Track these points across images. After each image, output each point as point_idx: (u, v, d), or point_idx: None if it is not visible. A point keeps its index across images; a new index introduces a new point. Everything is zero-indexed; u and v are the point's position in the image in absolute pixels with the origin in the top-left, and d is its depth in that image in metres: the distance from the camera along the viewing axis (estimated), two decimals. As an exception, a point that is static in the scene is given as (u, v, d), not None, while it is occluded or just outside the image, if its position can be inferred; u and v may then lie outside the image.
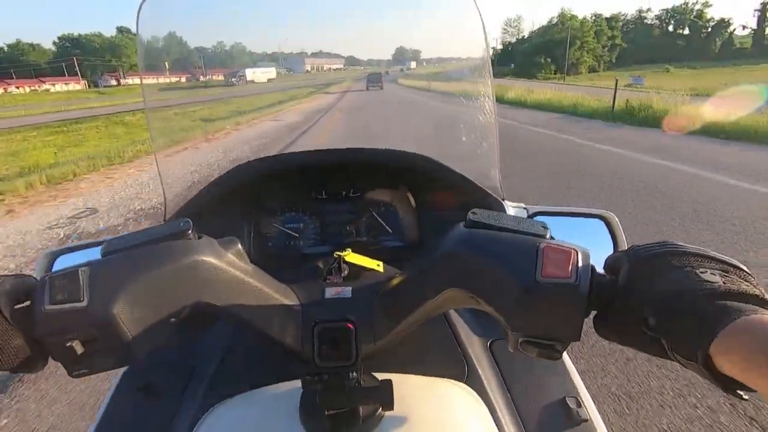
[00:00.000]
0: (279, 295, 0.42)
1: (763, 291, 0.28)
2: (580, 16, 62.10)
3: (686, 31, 67.32)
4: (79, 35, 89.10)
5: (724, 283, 0.28)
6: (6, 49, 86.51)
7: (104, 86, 73.73)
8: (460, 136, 0.77)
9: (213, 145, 6.89)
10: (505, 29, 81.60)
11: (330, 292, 0.47)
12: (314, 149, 0.71)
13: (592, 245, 0.65)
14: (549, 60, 56.90)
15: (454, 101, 0.85)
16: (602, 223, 0.65)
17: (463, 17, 0.66)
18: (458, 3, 0.63)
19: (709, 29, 64.61)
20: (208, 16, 0.84)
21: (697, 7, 65.81)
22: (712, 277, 0.28)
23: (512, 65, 60.19)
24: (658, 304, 0.29)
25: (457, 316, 0.61)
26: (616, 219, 0.64)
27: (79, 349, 0.32)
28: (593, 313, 0.34)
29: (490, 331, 0.60)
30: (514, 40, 78.25)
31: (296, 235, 0.75)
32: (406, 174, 0.73)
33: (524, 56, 59.96)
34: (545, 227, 0.36)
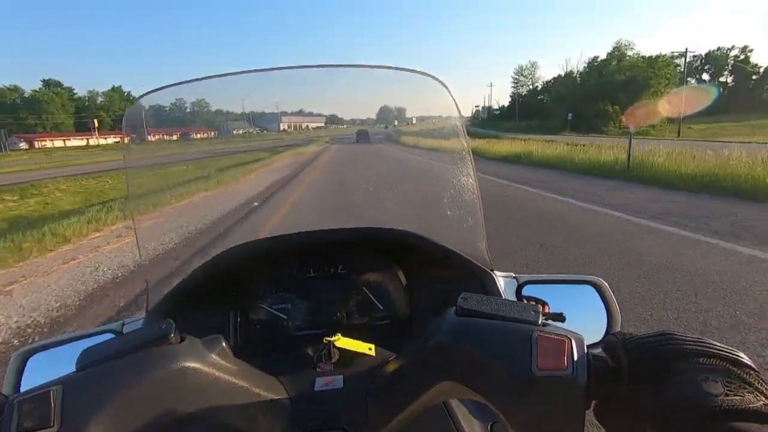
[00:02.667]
0: (266, 391, 0.49)
1: (766, 396, 0.34)
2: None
3: (727, 79, 73.19)
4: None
5: (726, 395, 0.33)
6: None
7: (11, 150, 70.53)
8: (446, 209, 0.96)
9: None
10: (515, 78, 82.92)
11: (320, 383, 0.56)
12: (299, 231, 0.87)
13: (584, 313, 0.83)
14: (617, 108, 49.89)
15: (437, 177, 1.04)
16: (593, 289, 0.80)
17: (439, 98, 0.86)
18: (433, 87, 0.84)
19: (756, 78, 70.10)
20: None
21: (734, 52, 71.29)
22: (714, 386, 0.34)
23: (570, 115, 52.70)
24: (658, 420, 0.35)
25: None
26: (606, 285, 0.79)
27: None
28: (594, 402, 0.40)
29: (490, 413, 0.67)
30: (525, 91, 79.57)
31: (284, 316, 0.87)
32: (395, 249, 0.89)
33: (582, 103, 52.79)
34: (536, 311, 0.44)
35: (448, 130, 0.94)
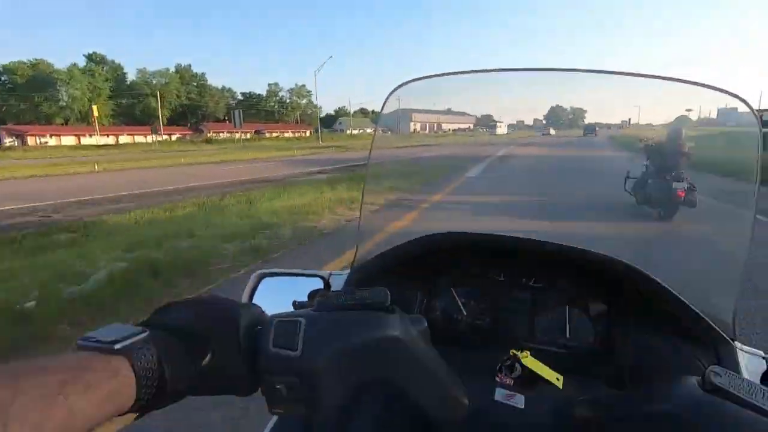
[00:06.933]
0: (449, 389, 0.49)
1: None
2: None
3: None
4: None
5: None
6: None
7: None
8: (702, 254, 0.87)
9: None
10: None
11: (500, 394, 0.58)
12: (515, 236, 0.81)
13: None
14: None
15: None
16: None
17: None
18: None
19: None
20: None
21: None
22: None
23: None
24: None
25: None
26: None
27: (284, 391, 0.43)
28: None
29: None
30: None
31: (465, 312, 0.86)
32: (607, 280, 0.78)
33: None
34: None
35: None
